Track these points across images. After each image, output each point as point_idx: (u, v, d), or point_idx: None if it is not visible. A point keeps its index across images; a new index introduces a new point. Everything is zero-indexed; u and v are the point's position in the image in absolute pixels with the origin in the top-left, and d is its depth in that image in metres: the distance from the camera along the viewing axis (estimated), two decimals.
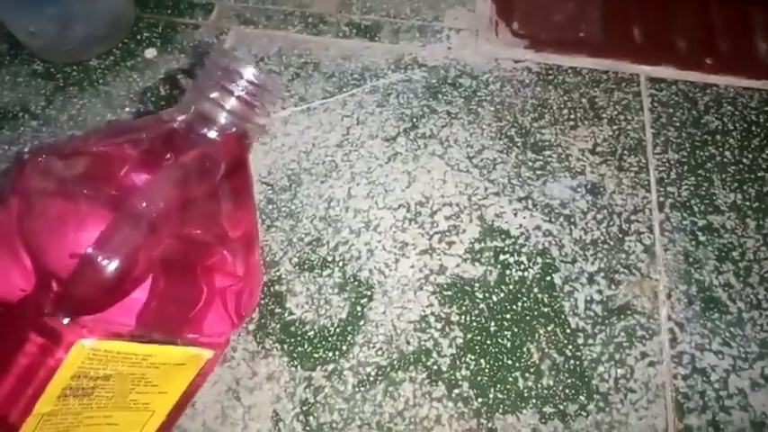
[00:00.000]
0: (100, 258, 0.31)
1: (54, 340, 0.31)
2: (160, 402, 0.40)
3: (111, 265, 0.30)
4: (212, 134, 0.38)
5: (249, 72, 0.38)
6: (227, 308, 0.42)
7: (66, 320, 0.31)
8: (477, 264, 0.57)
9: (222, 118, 0.38)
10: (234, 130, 0.39)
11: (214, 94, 0.38)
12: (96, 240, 0.31)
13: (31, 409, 0.31)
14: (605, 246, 0.58)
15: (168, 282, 0.36)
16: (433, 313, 0.55)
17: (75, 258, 0.31)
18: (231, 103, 0.38)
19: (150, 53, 0.71)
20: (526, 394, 0.51)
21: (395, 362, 0.53)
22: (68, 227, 0.33)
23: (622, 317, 0.55)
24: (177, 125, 0.38)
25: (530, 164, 0.63)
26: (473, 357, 0.53)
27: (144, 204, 0.33)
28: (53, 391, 0.31)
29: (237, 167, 0.42)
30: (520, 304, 0.55)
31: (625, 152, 0.64)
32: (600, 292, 0.56)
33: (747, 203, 0.61)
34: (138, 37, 0.72)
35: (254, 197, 0.45)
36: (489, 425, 0.50)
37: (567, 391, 0.52)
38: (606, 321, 0.55)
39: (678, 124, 0.66)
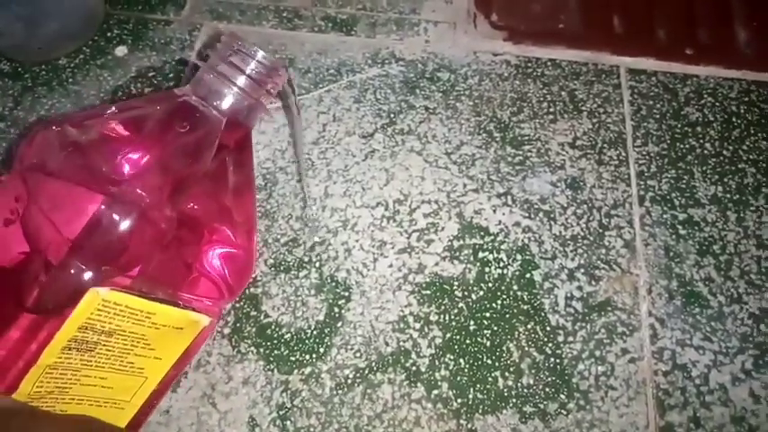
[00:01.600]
0: (114, 215, 0.33)
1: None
2: (154, 369, 0.41)
3: (124, 221, 0.33)
4: (222, 109, 0.40)
5: (260, 54, 0.41)
6: (222, 277, 0.43)
7: (87, 274, 0.32)
8: (455, 262, 0.56)
9: (232, 95, 0.40)
10: (244, 106, 0.40)
11: (226, 71, 0.40)
12: (107, 201, 0.33)
13: (36, 360, 0.31)
14: (585, 241, 0.58)
15: (172, 246, 0.38)
16: (411, 313, 0.54)
17: (68, 243, 0.32)
18: (242, 80, 0.40)
19: (121, 51, 0.69)
20: (506, 394, 0.51)
21: (373, 363, 0.52)
22: (64, 208, 0.34)
23: (603, 313, 0.54)
24: (189, 99, 0.40)
25: (509, 159, 0.62)
26: (452, 357, 0.52)
27: (142, 182, 0.35)
28: (60, 341, 0.32)
29: (242, 147, 0.43)
30: (499, 302, 0.54)
31: (605, 145, 0.63)
32: (580, 288, 0.55)
33: (728, 196, 0.61)
34: (109, 34, 0.71)
35: (254, 178, 0.47)
36: (469, 426, 0.49)
37: (548, 389, 0.51)
38: (586, 318, 0.54)
39: (658, 116, 0.65)
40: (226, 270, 0.43)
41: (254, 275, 0.55)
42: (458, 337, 0.53)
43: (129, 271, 0.35)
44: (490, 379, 0.51)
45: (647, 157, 0.63)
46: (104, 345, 0.34)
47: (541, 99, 0.66)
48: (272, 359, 0.52)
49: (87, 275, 0.32)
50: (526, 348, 0.53)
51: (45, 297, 0.31)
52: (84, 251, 0.32)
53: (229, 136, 0.41)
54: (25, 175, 0.35)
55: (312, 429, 0.49)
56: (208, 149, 0.39)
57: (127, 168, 0.35)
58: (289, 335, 0.53)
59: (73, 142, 0.35)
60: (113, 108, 0.39)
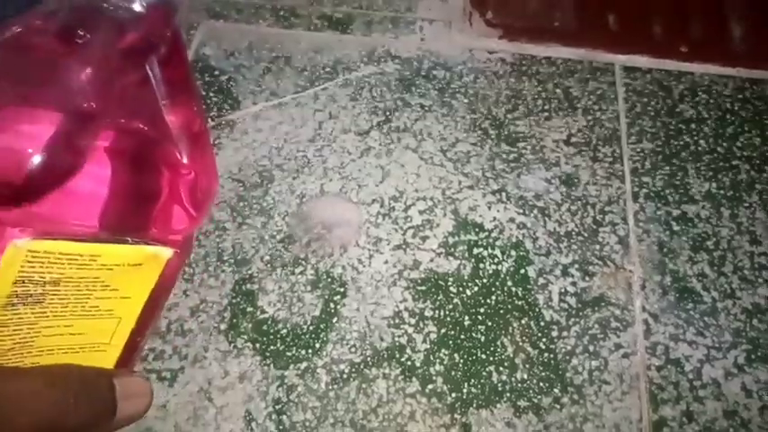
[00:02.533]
0: (24, 150, 0.28)
1: None
2: (125, 308, 0.39)
3: (36, 157, 0.28)
4: (136, 6, 0.35)
5: None
6: (182, 202, 0.40)
7: None
8: (450, 258, 0.57)
9: None
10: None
11: None
12: (19, 134, 0.30)
13: None
14: (579, 237, 0.58)
15: (120, 176, 0.34)
16: (406, 309, 0.54)
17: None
18: None
19: None
20: (500, 388, 0.51)
21: (368, 358, 0.52)
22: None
23: (597, 309, 0.55)
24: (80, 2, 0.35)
25: (504, 156, 0.62)
26: (447, 352, 0.52)
27: (71, 95, 0.31)
28: None
29: (170, 49, 0.38)
30: (494, 298, 0.55)
31: (599, 142, 0.64)
32: (574, 284, 0.56)
33: (722, 192, 0.61)
34: None
35: (195, 84, 0.43)
36: (463, 420, 0.50)
37: (542, 384, 0.51)
38: (580, 313, 0.54)
39: (653, 113, 0.66)
40: (183, 193, 0.40)
41: (249, 272, 0.55)
42: (452, 332, 0.53)
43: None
44: (484, 373, 0.52)
45: (641, 154, 0.63)
46: (54, 294, 0.33)
47: (536, 96, 0.66)
48: (268, 354, 0.52)
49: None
50: (520, 343, 0.53)
51: None
52: (9, 187, 0.29)
53: (150, 36, 0.36)
54: None
55: (308, 423, 0.49)
56: (124, 57, 0.34)
57: (63, 81, 0.32)
58: (285, 330, 0.53)
59: None
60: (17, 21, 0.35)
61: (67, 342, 0.36)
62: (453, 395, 0.51)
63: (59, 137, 0.30)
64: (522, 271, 0.56)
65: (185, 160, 0.40)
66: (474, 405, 0.50)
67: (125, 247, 0.37)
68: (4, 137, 0.31)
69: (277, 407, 0.50)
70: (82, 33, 0.33)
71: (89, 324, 0.37)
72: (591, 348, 0.53)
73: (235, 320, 0.53)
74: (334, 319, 0.54)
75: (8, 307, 0.31)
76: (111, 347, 0.39)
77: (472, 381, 0.51)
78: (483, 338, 0.53)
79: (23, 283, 0.31)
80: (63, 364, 0.33)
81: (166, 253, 0.41)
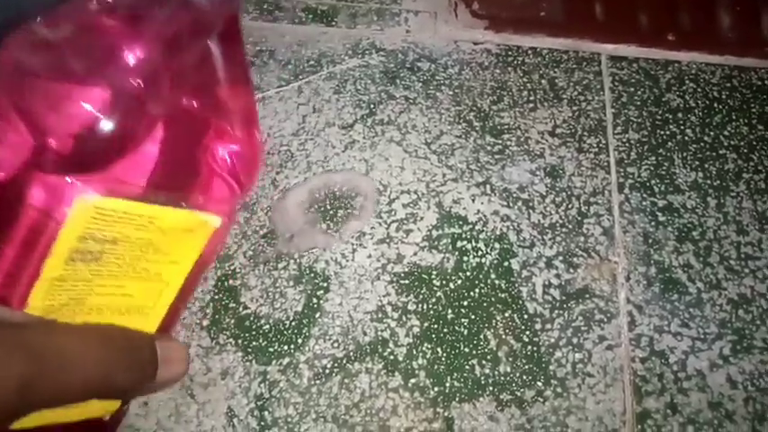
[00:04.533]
0: (99, 119, 0.31)
1: (57, 199, 0.31)
2: (172, 273, 0.40)
3: (108, 124, 0.31)
4: None
5: None
6: (229, 174, 0.42)
7: (69, 178, 0.30)
8: (434, 251, 0.56)
9: None
10: None
11: None
12: (94, 105, 0.31)
13: (38, 274, 0.30)
14: (564, 229, 0.58)
15: (175, 146, 0.36)
16: (390, 303, 0.54)
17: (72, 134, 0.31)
18: None
19: None
20: (483, 382, 0.51)
21: (351, 353, 0.52)
22: (62, 103, 0.32)
23: (580, 301, 0.54)
24: None
25: (488, 148, 0.62)
26: (430, 346, 0.52)
27: (135, 73, 0.33)
28: (60, 254, 0.31)
29: (230, 33, 0.41)
30: (477, 291, 0.55)
31: (585, 133, 0.63)
32: (558, 276, 0.55)
33: (708, 182, 0.61)
34: None
35: (248, 63, 0.45)
36: (446, 414, 0.50)
37: (525, 377, 0.51)
38: (564, 306, 0.54)
39: (639, 103, 0.65)
40: (232, 165, 0.41)
41: (231, 268, 0.55)
42: (435, 326, 0.53)
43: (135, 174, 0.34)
44: (467, 367, 0.51)
45: (627, 145, 0.62)
46: (111, 253, 0.34)
47: (522, 87, 0.66)
48: (250, 350, 0.52)
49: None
50: (503, 336, 0.53)
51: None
52: (80, 154, 0.31)
53: (212, 20, 0.39)
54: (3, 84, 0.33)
55: (290, 419, 0.49)
56: (197, 36, 0.36)
57: (123, 60, 0.34)
58: (267, 326, 0.53)
59: (54, 39, 0.33)
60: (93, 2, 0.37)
61: (116, 303, 0.36)
62: (436, 389, 0.51)
63: (122, 106, 0.32)
64: (506, 264, 0.56)
65: (236, 133, 0.41)
66: (457, 399, 0.50)
67: (180, 212, 0.38)
68: (70, 106, 0.32)
69: (259, 403, 0.50)
70: (145, 12, 0.35)
71: (138, 286, 0.37)
72: (574, 341, 0.53)
73: (217, 316, 0.53)
74: (317, 315, 0.53)
75: (69, 262, 0.32)
76: (155, 312, 0.40)
77: (455, 374, 0.51)
78: (466, 332, 0.53)
79: (86, 239, 0.32)
80: (111, 325, 0.33)
81: (215, 221, 0.42)
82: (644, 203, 0.59)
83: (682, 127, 0.64)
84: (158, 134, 0.36)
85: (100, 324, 0.34)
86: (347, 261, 0.56)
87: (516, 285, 0.55)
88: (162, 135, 0.37)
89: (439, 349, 0.52)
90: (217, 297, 0.54)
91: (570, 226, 0.58)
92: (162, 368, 0.30)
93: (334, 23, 0.70)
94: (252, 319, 0.53)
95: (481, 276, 0.55)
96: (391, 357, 0.52)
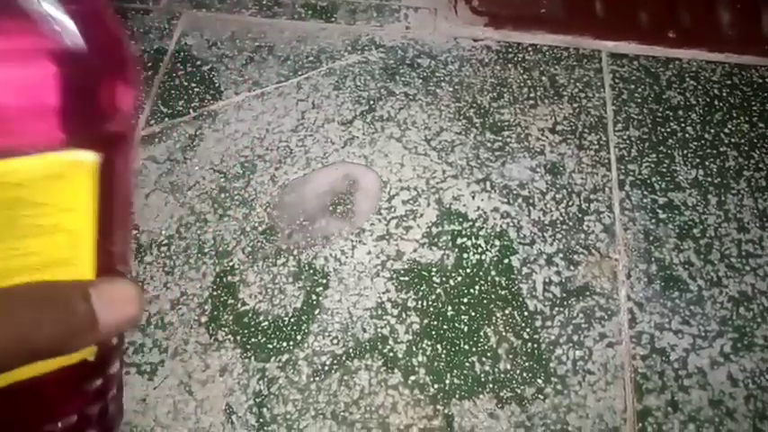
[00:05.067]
0: None
1: None
2: (72, 220, 0.37)
3: None
4: None
5: None
6: (77, 95, 0.38)
7: None
8: (434, 248, 0.56)
9: None
10: None
11: None
12: None
13: None
14: (564, 226, 0.57)
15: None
16: (389, 299, 0.54)
17: None
18: None
19: None
20: (483, 379, 0.51)
21: (350, 350, 0.52)
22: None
23: (581, 298, 0.54)
24: None
25: (488, 145, 0.62)
26: (430, 343, 0.52)
27: None
28: None
29: None
30: (477, 288, 0.54)
31: (585, 130, 0.63)
32: (558, 273, 0.55)
33: (709, 179, 0.60)
34: None
35: None
36: (446, 411, 0.49)
37: (525, 374, 0.51)
38: (565, 303, 0.54)
39: (639, 100, 0.65)
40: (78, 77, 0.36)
41: (230, 264, 0.55)
42: (435, 322, 0.53)
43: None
44: (467, 364, 0.51)
45: (627, 142, 0.62)
46: None
47: (522, 84, 0.66)
48: (249, 347, 0.52)
49: None
50: (503, 333, 0.52)
51: None
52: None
53: None
54: None
55: (289, 416, 0.49)
56: None
57: None
58: (266, 323, 0.53)
59: None
60: None
61: (22, 263, 0.34)
62: (436, 386, 0.50)
63: None
64: (506, 261, 0.55)
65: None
66: (456, 396, 0.50)
67: (28, 160, 0.34)
68: None
69: (258, 400, 0.49)
70: None
71: (39, 242, 0.34)
72: (575, 338, 0.52)
73: (216, 313, 0.53)
74: (316, 311, 0.53)
75: None
76: (80, 260, 0.37)
77: (455, 372, 0.51)
78: (466, 329, 0.52)
79: None
80: (24, 284, 0.31)
81: (89, 157, 0.38)
82: (645, 201, 0.59)
83: (682, 124, 0.64)
84: None
85: (10, 286, 0.32)
86: (347, 257, 0.56)
87: (516, 282, 0.54)
88: None
89: (439, 346, 0.52)
90: (215, 293, 0.54)
91: (571, 223, 0.57)
92: (105, 312, 0.27)
93: (333, 19, 0.70)
94: (251, 315, 0.53)
95: (481, 273, 0.55)
96: (391, 354, 0.51)
